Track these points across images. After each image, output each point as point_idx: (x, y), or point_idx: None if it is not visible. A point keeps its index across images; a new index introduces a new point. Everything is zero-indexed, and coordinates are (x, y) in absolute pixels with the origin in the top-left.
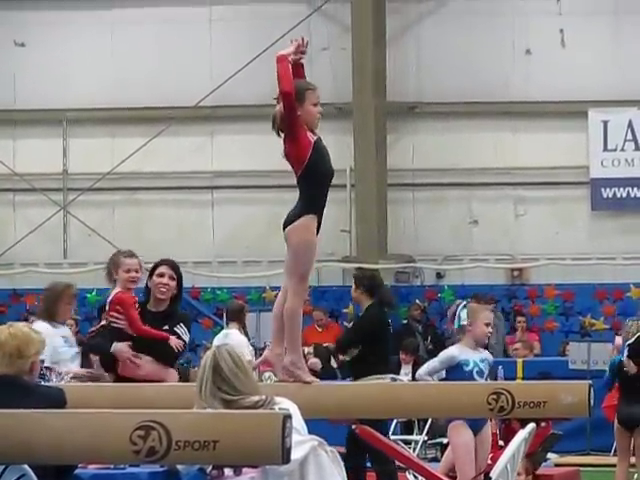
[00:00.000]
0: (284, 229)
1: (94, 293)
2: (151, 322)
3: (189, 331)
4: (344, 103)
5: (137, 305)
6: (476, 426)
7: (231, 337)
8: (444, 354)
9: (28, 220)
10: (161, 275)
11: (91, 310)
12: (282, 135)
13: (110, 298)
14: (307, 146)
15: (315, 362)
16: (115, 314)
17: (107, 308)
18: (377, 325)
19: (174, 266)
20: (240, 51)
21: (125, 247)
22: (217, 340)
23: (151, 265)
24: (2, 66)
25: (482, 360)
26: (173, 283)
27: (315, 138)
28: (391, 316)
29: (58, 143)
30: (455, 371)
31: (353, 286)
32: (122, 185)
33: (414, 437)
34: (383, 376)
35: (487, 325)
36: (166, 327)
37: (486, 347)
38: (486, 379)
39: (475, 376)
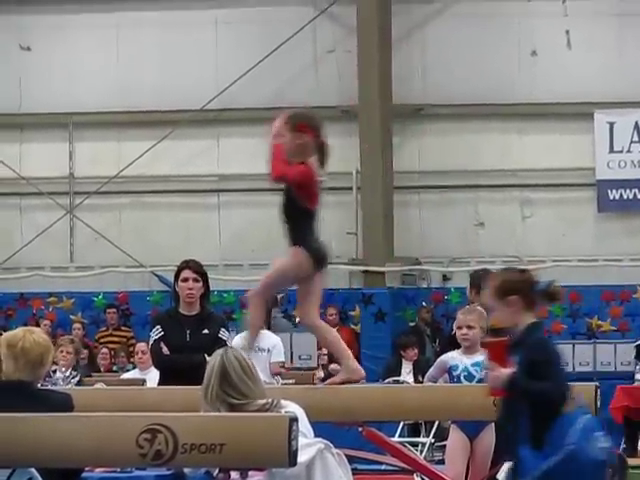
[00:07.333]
0: None
1: (100, 297)
2: (189, 326)
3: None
4: (350, 105)
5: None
6: (472, 430)
7: None
8: (438, 360)
9: (34, 224)
10: (185, 280)
11: (97, 314)
12: None
13: None
14: None
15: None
16: None
17: None
18: None
19: (196, 267)
20: (246, 54)
21: (131, 250)
22: None
23: (156, 269)
24: (8, 70)
25: (475, 364)
26: (198, 284)
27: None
28: (399, 319)
29: (64, 147)
30: (449, 376)
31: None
32: (128, 189)
33: (421, 439)
34: None
35: (459, 328)
36: (206, 331)
37: None
38: None
39: (462, 380)
